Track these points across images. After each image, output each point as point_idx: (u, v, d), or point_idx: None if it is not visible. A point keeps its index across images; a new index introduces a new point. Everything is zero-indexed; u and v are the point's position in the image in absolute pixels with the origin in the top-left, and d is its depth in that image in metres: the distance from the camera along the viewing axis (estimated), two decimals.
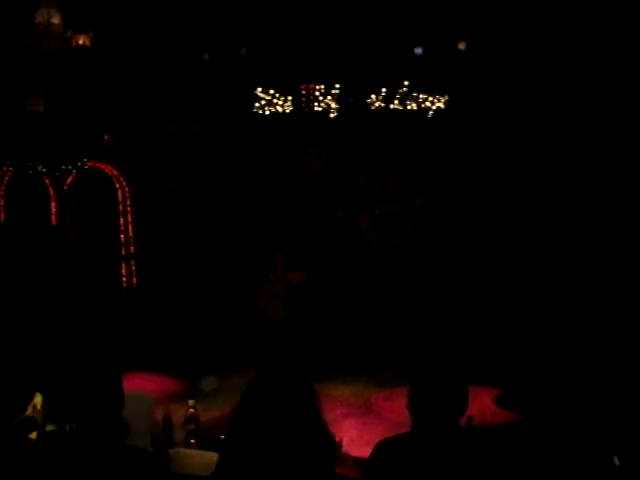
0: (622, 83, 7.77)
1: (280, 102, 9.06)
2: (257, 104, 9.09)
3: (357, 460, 3.54)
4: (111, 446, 2.23)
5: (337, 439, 3.52)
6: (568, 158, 8.33)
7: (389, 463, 2.45)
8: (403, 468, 2.42)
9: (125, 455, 2.23)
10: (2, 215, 8.71)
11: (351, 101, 9.01)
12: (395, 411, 6.17)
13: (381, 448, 2.54)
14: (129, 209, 9.04)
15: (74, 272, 8.38)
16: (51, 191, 8.67)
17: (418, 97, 8.80)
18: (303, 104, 9.07)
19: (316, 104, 8.98)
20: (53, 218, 8.71)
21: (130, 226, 9.08)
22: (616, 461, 2.81)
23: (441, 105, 8.81)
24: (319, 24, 8.29)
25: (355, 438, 5.16)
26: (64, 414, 2.22)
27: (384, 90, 8.73)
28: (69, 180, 8.72)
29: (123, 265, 9.05)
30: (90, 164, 8.62)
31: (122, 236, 9.00)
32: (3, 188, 8.70)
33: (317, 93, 8.97)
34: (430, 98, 8.80)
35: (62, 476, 2.14)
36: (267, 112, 9.09)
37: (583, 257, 8.13)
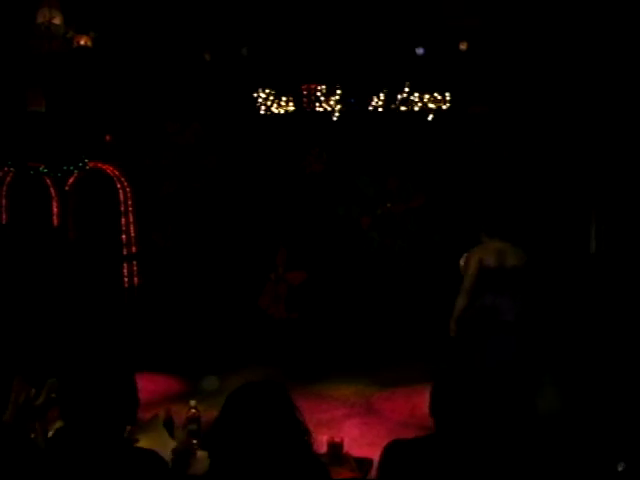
0: (623, 83, 7.77)
1: (281, 103, 9.06)
2: (258, 104, 9.10)
3: (358, 460, 3.54)
4: (119, 447, 2.21)
5: (338, 439, 3.55)
6: (569, 158, 8.32)
7: (407, 465, 2.42)
8: (422, 471, 2.39)
9: (133, 456, 2.21)
10: (3, 216, 8.72)
11: (352, 101, 9.00)
12: (396, 411, 6.17)
13: (394, 450, 2.50)
14: (130, 209, 9.05)
15: (75, 272, 8.39)
16: (52, 191, 8.67)
17: (419, 98, 8.79)
18: (304, 104, 9.06)
19: (317, 104, 8.98)
20: (54, 218, 8.71)
21: (132, 226, 9.08)
22: (620, 467, 2.78)
23: (442, 106, 8.81)
24: (320, 24, 8.28)
25: (356, 438, 5.16)
26: (73, 414, 2.20)
27: (385, 91, 8.73)
28: (70, 180, 8.73)
29: (125, 265, 9.06)
30: (91, 164, 8.63)
31: (124, 236, 9.01)
32: (5, 189, 8.71)
33: (318, 93, 8.97)
34: (431, 99, 8.80)
35: (67, 476, 2.13)
36: (268, 112, 9.10)
37: (583, 256, 8.12)
